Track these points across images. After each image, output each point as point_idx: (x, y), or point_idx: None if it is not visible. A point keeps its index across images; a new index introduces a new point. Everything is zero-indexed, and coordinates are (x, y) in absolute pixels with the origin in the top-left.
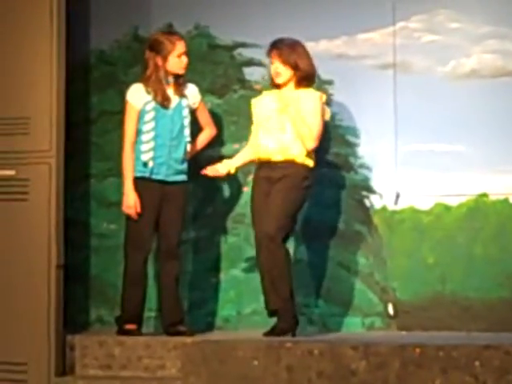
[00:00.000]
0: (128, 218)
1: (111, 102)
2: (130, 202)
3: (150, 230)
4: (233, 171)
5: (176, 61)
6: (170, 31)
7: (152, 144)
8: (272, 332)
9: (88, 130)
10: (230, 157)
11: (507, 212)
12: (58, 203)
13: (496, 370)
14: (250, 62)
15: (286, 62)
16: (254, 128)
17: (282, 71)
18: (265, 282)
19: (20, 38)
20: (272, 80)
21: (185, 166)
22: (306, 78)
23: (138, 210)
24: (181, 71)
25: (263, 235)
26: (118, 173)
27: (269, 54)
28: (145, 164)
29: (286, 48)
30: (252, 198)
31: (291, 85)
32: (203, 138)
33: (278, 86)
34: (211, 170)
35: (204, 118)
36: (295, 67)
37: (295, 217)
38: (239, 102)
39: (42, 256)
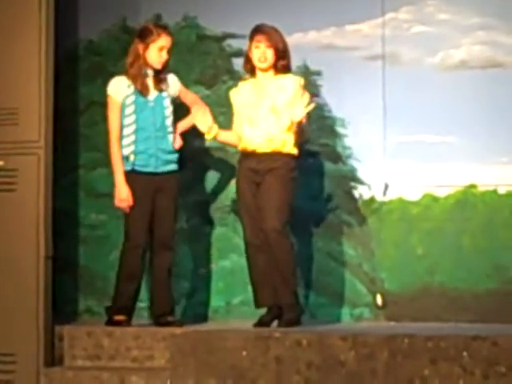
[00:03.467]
0: (125, 212)
1: (100, 92)
2: (123, 195)
3: (146, 222)
4: (211, 138)
5: (155, 53)
6: (162, 25)
7: (133, 138)
8: (283, 322)
9: (77, 120)
10: (218, 148)
11: (496, 203)
12: (47, 194)
13: (484, 361)
14: (239, 53)
15: (274, 47)
16: (235, 119)
17: (269, 56)
18: (273, 276)
19: (8, 28)
20: (249, 65)
21: (174, 156)
22: (289, 66)
23: (131, 203)
24: (158, 66)
25: (270, 230)
26: (107, 163)
27: (254, 37)
28: (126, 158)
29: (274, 32)
30: (239, 189)
31: (271, 71)
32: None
33: (254, 72)
34: (205, 124)
35: (190, 98)
36: (282, 53)
37: (291, 209)
38: (228, 92)
39: (30, 247)
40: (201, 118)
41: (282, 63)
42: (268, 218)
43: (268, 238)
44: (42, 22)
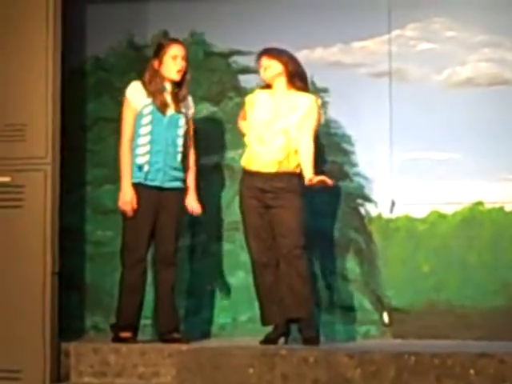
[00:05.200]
0: (124, 224)
1: (107, 108)
2: (127, 197)
3: (147, 236)
4: None
5: (170, 62)
6: (174, 38)
7: (148, 147)
8: (305, 340)
9: (84, 136)
10: (224, 165)
11: (502, 220)
12: (54, 210)
13: (491, 379)
14: (246, 70)
15: (274, 57)
16: (245, 125)
17: (270, 64)
18: (287, 291)
19: (16, 44)
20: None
21: (181, 173)
22: (297, 74)
23: (135, 205)
24: (175, 76)
25: (293, 247)
26: (114, 180)
27: (258, 59)
28: (140, 167)
29: (275, 48)
30: (244, 208)
31: (283, 82)
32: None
33: (269, 86)
34: None
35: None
36: (284, 63)
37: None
38: (234, 109)
39: (37, 263)
40: None
41: (289, 71)
42: (290, 235)
43: (289, 256)
44: (50, 38)
